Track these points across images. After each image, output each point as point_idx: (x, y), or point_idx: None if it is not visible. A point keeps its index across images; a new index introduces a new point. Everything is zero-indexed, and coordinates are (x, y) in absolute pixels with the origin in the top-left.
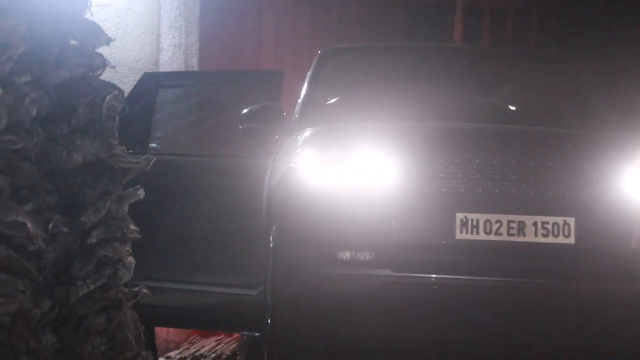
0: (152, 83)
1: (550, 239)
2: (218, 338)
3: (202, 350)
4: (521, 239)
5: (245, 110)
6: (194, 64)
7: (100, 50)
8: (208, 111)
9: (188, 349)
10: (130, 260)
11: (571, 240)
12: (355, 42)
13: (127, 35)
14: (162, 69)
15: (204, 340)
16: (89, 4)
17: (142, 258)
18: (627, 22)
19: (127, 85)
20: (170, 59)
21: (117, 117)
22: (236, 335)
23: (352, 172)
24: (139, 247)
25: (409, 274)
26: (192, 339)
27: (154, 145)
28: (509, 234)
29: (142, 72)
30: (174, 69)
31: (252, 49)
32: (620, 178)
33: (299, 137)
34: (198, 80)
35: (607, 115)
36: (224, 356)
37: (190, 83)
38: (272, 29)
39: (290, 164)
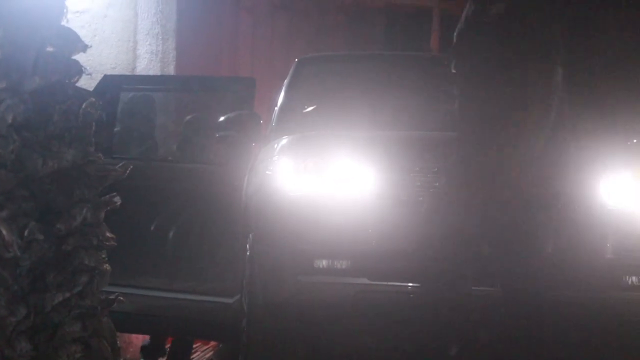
0: (112, 86)
1: None
2: (194, 346)
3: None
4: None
5: (221, 118)
6: (171, 71)
7: (76, 57)
8: (177, 117)
9: (164, 356)
10: (106, 267)
11: (548, 250)
12: (333, 49)
13: (103, 42)
14: None
15: None
16: (65, 11)
17: (117, 265)
18: (600, 27)
19: None
20: (147, 66)
21: (94, 124)
22: (212, 343)
23: (329, 180)
24: (115, 253)
25: (385, 283)
26: (169, 347)
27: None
28: None
29: None
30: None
31: (229, 56)
32: (597, 188)
33: (276, 145)
34: (164, 86)
35: (584, 124)
36: None
37: (155, 88)
38: (249, 36)
39: (267, 172)
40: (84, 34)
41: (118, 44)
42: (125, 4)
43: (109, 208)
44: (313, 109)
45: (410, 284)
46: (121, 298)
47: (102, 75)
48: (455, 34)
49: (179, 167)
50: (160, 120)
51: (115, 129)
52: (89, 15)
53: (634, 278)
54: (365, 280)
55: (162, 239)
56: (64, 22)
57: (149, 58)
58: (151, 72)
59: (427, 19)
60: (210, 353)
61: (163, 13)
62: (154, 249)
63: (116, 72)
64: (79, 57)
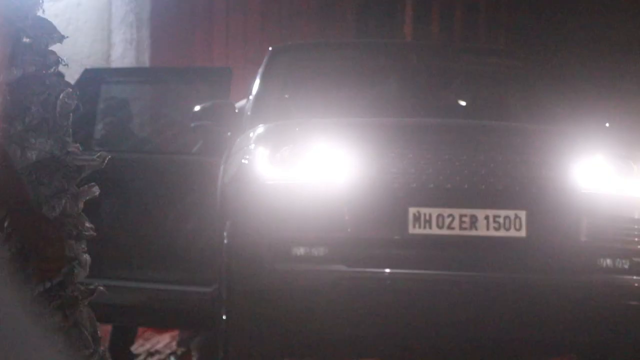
0: (94, 80)
1: (502, 233)
2: (173, 334)
3: (158, 346)
4: (473, 232)
5: (196, 108)
6: (146, 60)
7: (51, 47)
8: (155, 109)
9: (143, 344)
10: (86, 257)
11: (522, 233)
12: (306, 36)
13: (78, 31)
14: (113, 65)
15: (159, 336)
16: (41, 1)
17: (97, 256)
18: (576, 13)
19: None
20: (122, 55)
21: (71, 114)
22: (173, 332)
23: (305, 167)
24: (95, 245)
25: (362, 269)
26: (147, 335)
27: None
28: (461, 228)
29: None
30: (126, 65)
31: (203, 43)
32: (570, 171)
33: (251, 134)
34: (144, 77)
35: (557, 108)
36: (179, 352)
37: (135, 80)
38: (223, 23)
39: (244, 161)
40: (58, 23)
41: (92, 32)
42: None
43: (88, 198)
44: (288, 97)
45: (388, 270)
46: (102, 288)
47: (77, 64)
48: None
49: (157, 157)
50: (137, 111)
51: (97, 122)
52: (63, 3)
53: (608, 261)
54: (342, 267)
55: (141, 229)
56: (39, 12)
57: (123, 46)
58: (126, 61)
59: (400, 4)
60: (174, 343)
61: (137, 1)
62: (131, 240)
63: (91, 60)
64: (54, 46)
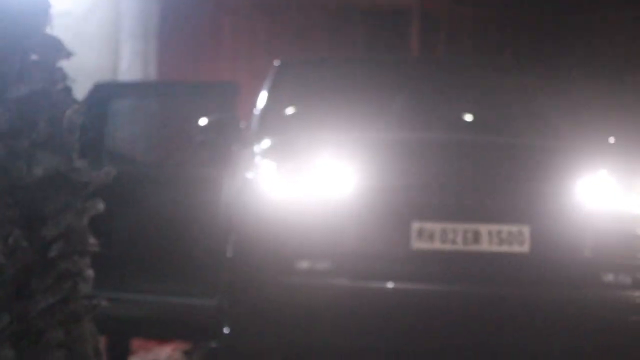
0: (103, 94)
1: (504, 248)
2: (175, 345)
3: (159, 358)
4: (476, 247)
5: (201, 122)
6: (153, 73)
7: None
8: (162, 123)
9: (144, 356)
10: (90, 273)
11: (526, 248)
12: (313, 51)
13: (85, 44)
14: (120, 78)
15: (160, 347)
16: (49, 19)
17: (99, 269)
18: (580, 31)
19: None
20: (129, 68)
21: (78, 130)
22: (174, 342)
23: (310, 182)
24: (97, 257)
25: (366, 283)
26: (149, 347)
27: None
28: (464, 243)
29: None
30: (133, 78)
31: (210, 56)
32: (574, 187)
33: (256, 148)
34: (152, 92)
35: (561, 124)
36: None
37: (143, 95)
38: (230, 36)
39: (248, 175)
40: (66, 36)
41: (100, 45)
42: (108, 6)
43: (93, 213)
44: (294, 112)
45: (391, 284)
46: (104, 303)
47: (84, 77)
48: None
49: (158, 171)
50: (144, 125)
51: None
52: (71, 17)
53: (611, 276)
54: (346, 281)
55: (142, 242)
56: (47, 27)
57: (131, 59)
58: (133, 74)
59: (407, 19)
60: (175, 354)
61: (145, 14)
62: (133, 252)
63: (98, 73)
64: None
